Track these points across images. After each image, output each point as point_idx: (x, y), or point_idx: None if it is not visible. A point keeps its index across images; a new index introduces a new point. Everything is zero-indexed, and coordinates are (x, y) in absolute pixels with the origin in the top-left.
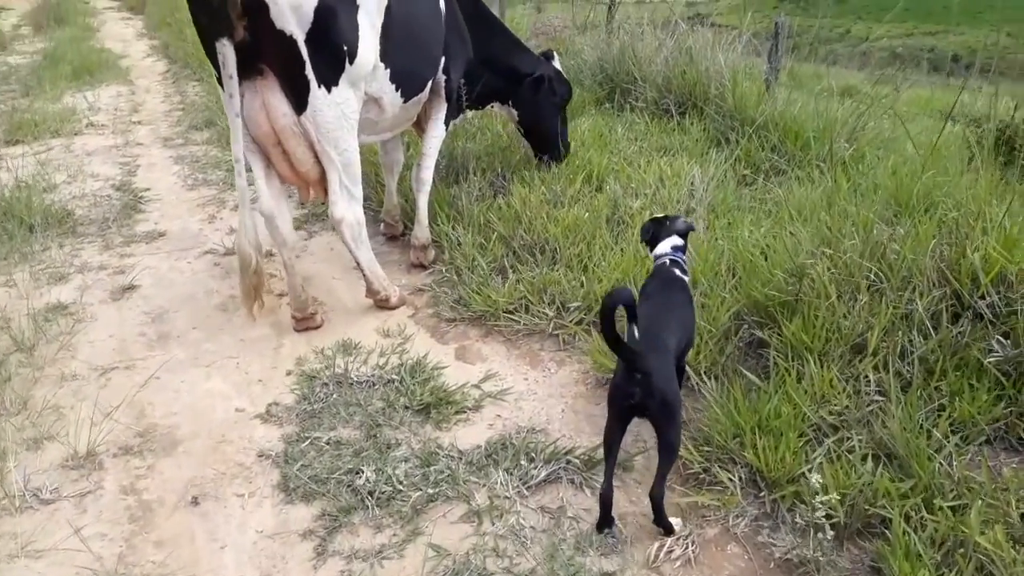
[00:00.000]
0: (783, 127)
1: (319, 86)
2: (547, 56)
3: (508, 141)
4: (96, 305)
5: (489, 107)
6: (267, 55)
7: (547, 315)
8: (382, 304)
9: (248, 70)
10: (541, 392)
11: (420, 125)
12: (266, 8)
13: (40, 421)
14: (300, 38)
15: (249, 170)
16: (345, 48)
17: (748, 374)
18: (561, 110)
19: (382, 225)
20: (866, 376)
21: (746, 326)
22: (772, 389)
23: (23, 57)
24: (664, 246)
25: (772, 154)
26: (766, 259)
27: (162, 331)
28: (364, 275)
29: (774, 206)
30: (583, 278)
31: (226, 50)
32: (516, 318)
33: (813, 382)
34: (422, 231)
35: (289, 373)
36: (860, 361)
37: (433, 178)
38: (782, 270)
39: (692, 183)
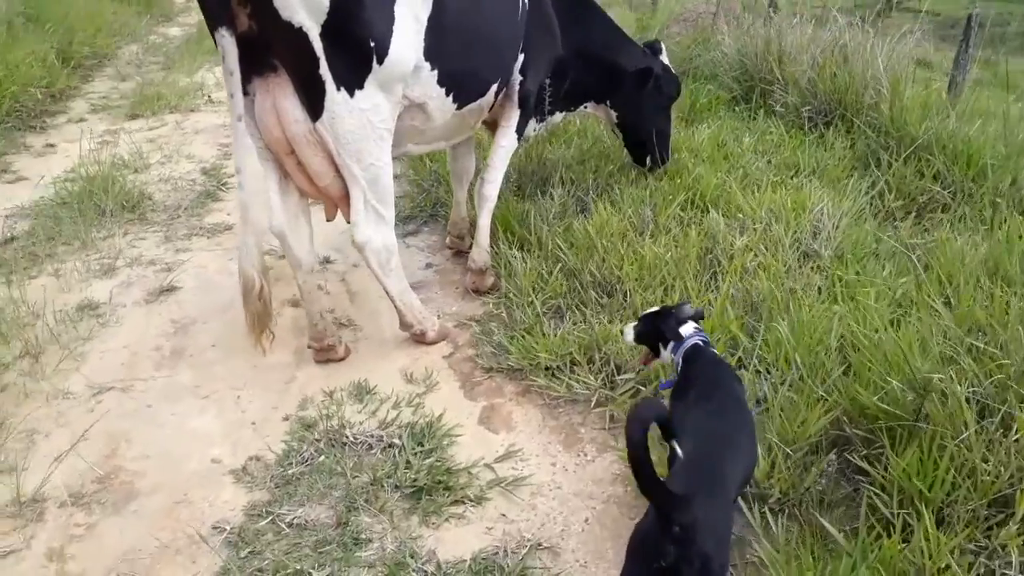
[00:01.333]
0: (953, 149)
1: (338, 89)
2: (653, 49)
3: (607, 147)
4: (128, 307)
5: (582, 107)
6: (277, 49)
7: (591, 384)
8: (417, 339)
9: (259, 65)
10: (567, 487)
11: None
12: None
13: (5, 448)
14: (313, 31)
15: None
16: (372, 44)
17: (829, 527)
18: (666, 110)
19: (448, 238)
20: (1007, 549)
21: (843, 443)
22: (859, 553)
23: (182, 29)
24: (687, 328)
25: (933, 183)
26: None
27: (179, 346)
28: (395, 307)
29: (923, 254)
30: None
31: (225, 42)
32: (559, 379)
33: (926, 551)
34: (480, 253)
35: (286, 418)
36: (1001, 526)
37: (501, 192)
38: (901, 375)
39: (819, 218)
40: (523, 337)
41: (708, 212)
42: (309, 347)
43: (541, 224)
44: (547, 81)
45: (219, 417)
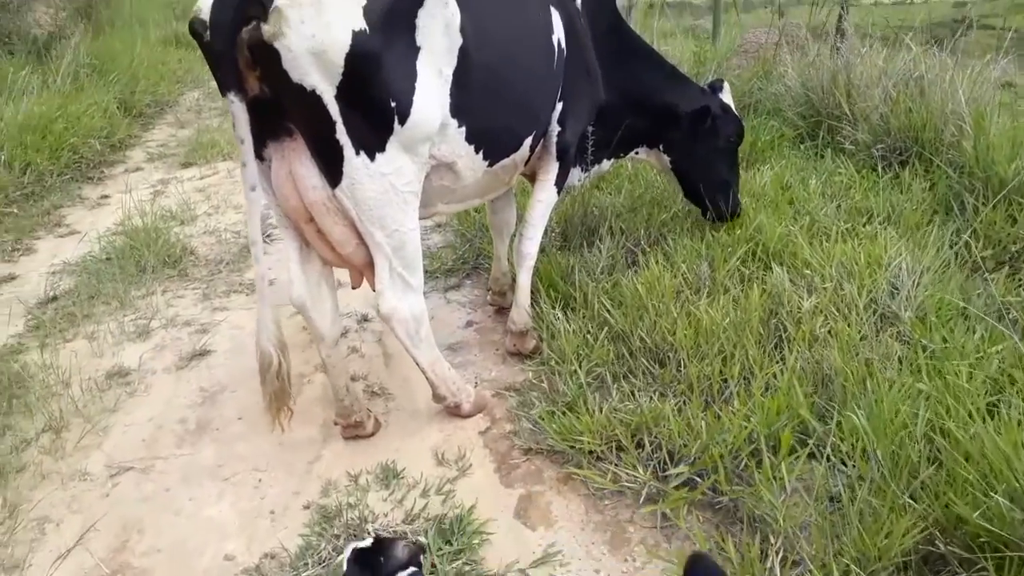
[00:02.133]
0: None
1: (357, 153)
2: (713, 88)
3: (659, 193)
4: (157, 374)
5: (633, 153)
6: (291, 113)
7: (640, 475)
8: (452, 412)
9: (274, 130)
10: None
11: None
12: (277, 56)
13: (13, 540)
14: (327, 93)
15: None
16: (393, 104)
17: None
18: (729, 154)
19: (489, 295)
20: None
21: (936, 562)
22: None
23: None
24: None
25: None
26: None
27: (204, 419)
28: (427, 378)
29: (1020, 315)
30: (704, 419)
31: (235, 108)
32: (604, 466)
33: None
34: (520, 314)
35: (307, 506)
36: None
37: (544, 246)
38: (1005, 483)
39: (897, 274)
40: (564, 414)
41: (772, 267)
42: (335, 423)
43: (587, 280)
44: (590, 129)
45: (237, 504)
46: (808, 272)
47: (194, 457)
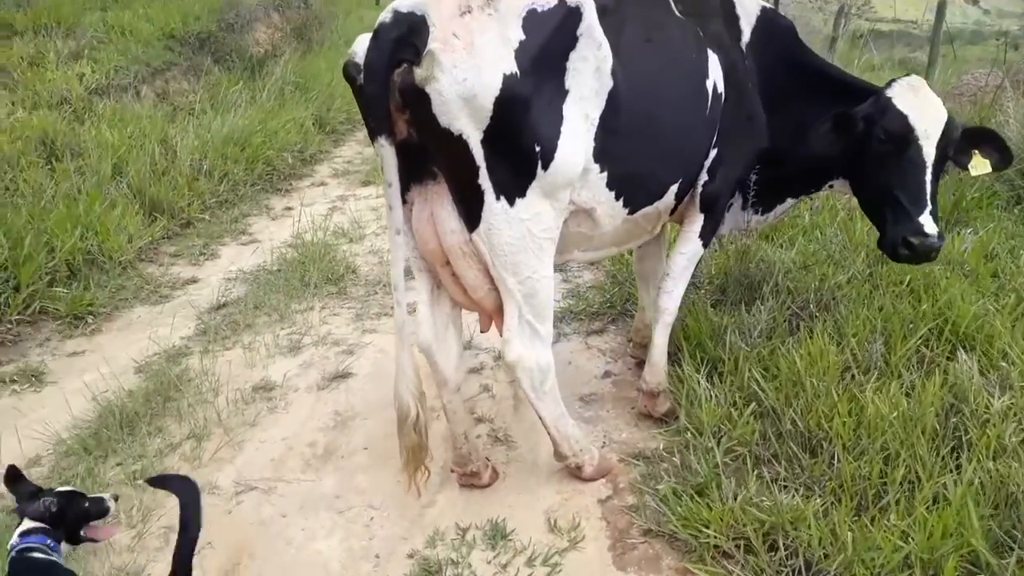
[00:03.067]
0: None
1: (497, 198)
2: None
3: (837, 250)
4: (299, 392)
5: (827, 187)
6: (436, 157)
7: None
8: (573, 472)
9: (418, 173)
10: None
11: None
12: (427, 100)
13: (140, 545)
14: (474, 138)
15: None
16: (538, 149)
17: None
18: (891, 161)
19: (631, 345)
20: None
21: None
22: None
23: None
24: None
25: None
26: None
27: (333, 443)
28: (549, 434)
29: None
30: (852, 529)
31: (384, 151)
32: (729, 566)
33: None
34: (654, 373)
35: (411, 555)
36: None
37: (696, 300)
38: None
39: None
40: (692, 497)
41: (960, 352)
42: (452, 471)
43: (740, 344)
44: (753, 176)
45: (346, 542)
46: (1004, 364)
47: (315, 484)
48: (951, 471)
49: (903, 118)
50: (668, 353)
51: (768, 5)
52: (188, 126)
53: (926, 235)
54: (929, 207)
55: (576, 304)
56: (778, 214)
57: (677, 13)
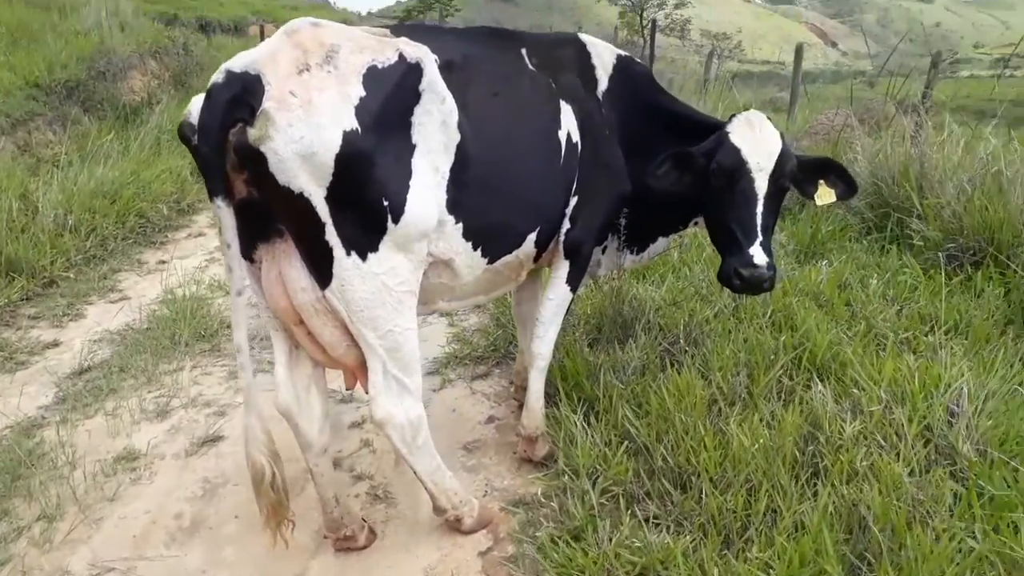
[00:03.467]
0: None
1: (348, 254)
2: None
3: (703, 286)
4: (166, 460)
5: (693, 224)
6: (279, 215)
7: None
8: (453, 526)
9: (264, 231)
10: None
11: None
12: (264, 160)
13: None
14: (317, 195)
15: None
16: (387, 203)
17: None
18: (724, 194)
19: (513, 388)
20: None
21: None
22: None
23: None
24: None
25: None
26: None
27: (200, 514)
28: (426, 488)
29: None
30: (717, 563)
31: (221, 212)
32: None
33: None
34: (531, 418)
35: None
36: None
37: (572, 342)
38: None
39: (958, 398)
40: (568, 543)
41: (817, 381)
42: (325, 537)
43: (615, 382)
44: (623, 221)
45: None
46: (855, 390)
47: (180, 560)
48: (811, 498)
49: (736, 152)
50: (547, 395)
51: (624, 53)
52: (52, 179)
53: (755, 266)
54: (760, 239)
55: (461, 349)
56: (652, 254)
57: (530, 66)
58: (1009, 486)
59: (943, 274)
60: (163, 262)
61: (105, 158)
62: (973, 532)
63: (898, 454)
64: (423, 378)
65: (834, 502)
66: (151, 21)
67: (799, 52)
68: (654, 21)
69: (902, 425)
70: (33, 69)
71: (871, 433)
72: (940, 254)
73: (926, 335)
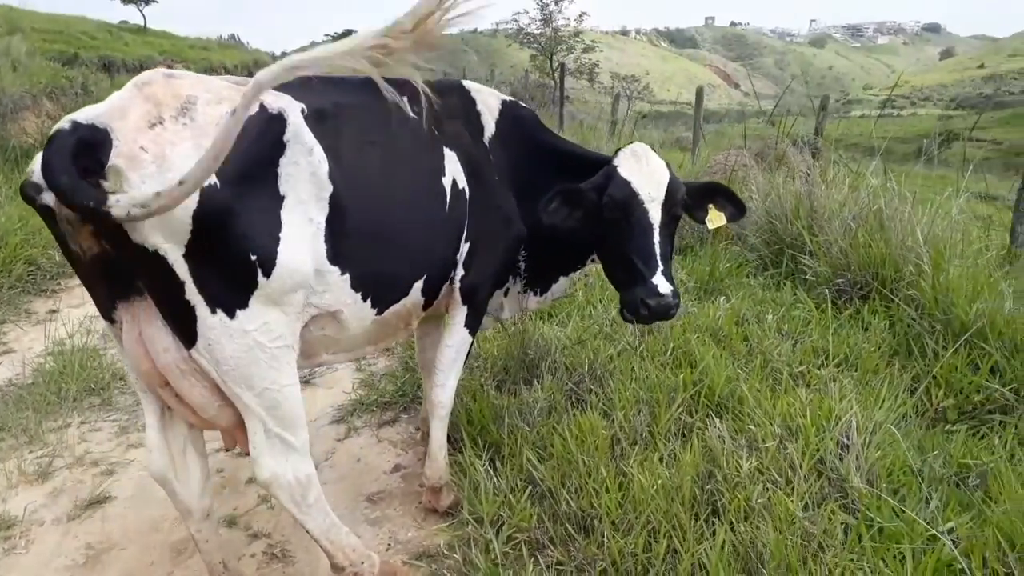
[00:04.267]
0: (1012, 336)
1: (213, 311)
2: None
3: (607, 324)
4: (45, 526)
5: (590, 261)
6: (136, 273)
7: None
8: None
9: (121, 288)
10: None
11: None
12: (111, 217)
13: None
14: (174, 253)
15: None
16: (255, 258)
17: None
18: (615, 228)
19: (419, 435)
20: None
21: None
22: None
23: None
24: None
25: (991, 379)
26: None
27: None
28: (322, 547)
29: (981, 479)
30: None
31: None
32: None
33: None
34: (434, 468)
35: None
36: None
37: (478, 385)
38: None
39: (847, 430)
40: None
41: (715, 418)
42: None
43: (521, 425)
44: (521, 262)
45: None
46: (752, 427)
47: None
48: (709, 537)
49: (627, 184)
50: (452, 440)
51: (509, 98)
52: None
53: (661, 295)
54: (661, 267)
55: (368, 395)
56: (556, 293)
57: (411, 115)
58: (897, 516)
59: (830, 309)
60: (53, 311)
61: None
62: (863, 565)
63: (792, 488)
64: (328, 427)
65: (731, 541)
66: (48, 61)
67: (699, 94)
68: (562, 65)
69: (796, 459)
70: None
71: (767, 469)
72: (829, 289)
73: (819, 368)
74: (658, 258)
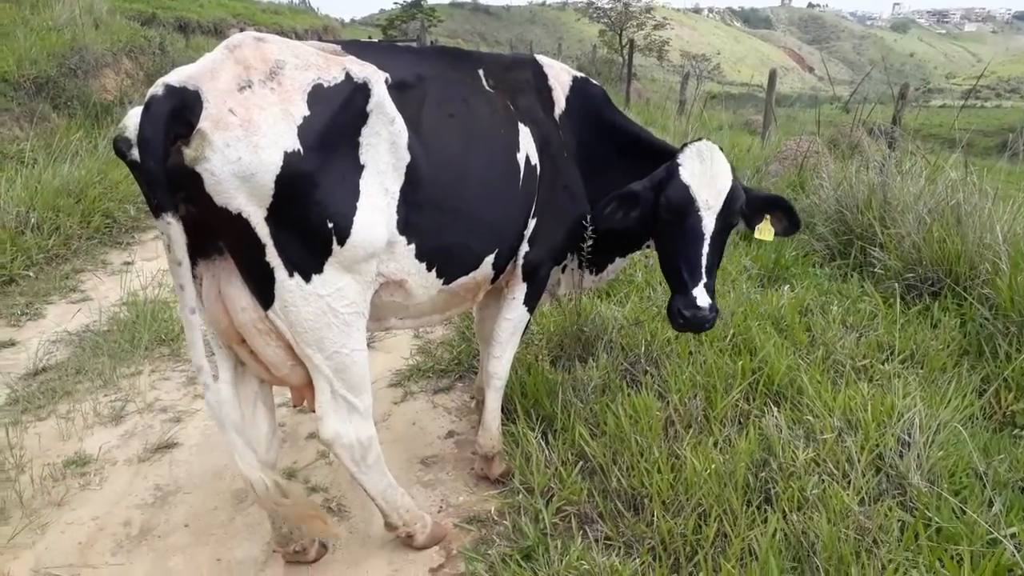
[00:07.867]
0: None
1: (290, 275)
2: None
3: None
4: (117, 466)
5: (646, 246)
6: (219, 233)
7: None
8: (405, 542)
9: (205, 247)
10: None
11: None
12: (199, 179)
13: None
14: (256, 216)
15: None
16: (331, 225)
17: None
18: (672, 232)
19: (474, 403)
20: None
21: None
22: None
23: None
24: None
25: None
26: None
27: (149, 523)
28: (377, 506)
29: None
30: None
31: (170, 229)
32: None
33: None
34: (487, 437)
35: None
36: None
37: (534, 358)
38: None
39: (910, 427)
40: (519, 563)
41: (772, 407)
42: (275, 551)
43: (574, 401)
44: (587, 245)
45: None
46: (810, 418)
47: (125, 569)
48: (761, 524)
49: (686, 189)
50: (505, 411)
51: (580, 74)
52: (16, 176)
53: (698, 308)
54: (704, 280)
55: (425, 361)
56: (611, 272)
57: (487, 88)
58: (957, 517)
59: (898, 303)
60: (128, 263)
61: (72, 156)
62: (918, 564)
63: (849, 482)
64: (385, 390)
65: (783, 529)
66: (127, 20)
67: (772, 77)
68: (632, 41)
69: (854, 453)
70: (1, 63)
71: (823, 460)
72: (899, 283)
73: (883, 363)
74: (703, 269)
